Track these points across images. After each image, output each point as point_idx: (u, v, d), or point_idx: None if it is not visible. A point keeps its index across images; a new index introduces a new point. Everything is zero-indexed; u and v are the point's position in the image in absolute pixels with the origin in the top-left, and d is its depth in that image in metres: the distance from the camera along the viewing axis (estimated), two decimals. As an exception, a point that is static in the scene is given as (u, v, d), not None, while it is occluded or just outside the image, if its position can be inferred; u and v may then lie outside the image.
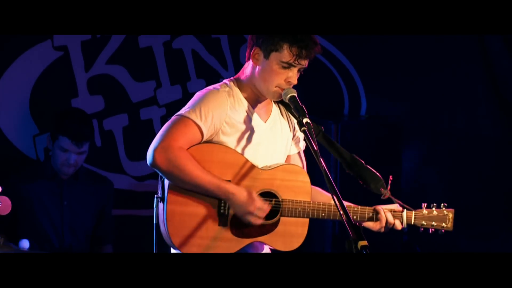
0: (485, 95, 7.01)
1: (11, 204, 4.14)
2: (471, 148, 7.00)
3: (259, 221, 3.92)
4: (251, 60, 4.00)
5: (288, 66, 3.92)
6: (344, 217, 3.38)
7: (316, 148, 3.63)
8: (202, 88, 4.08)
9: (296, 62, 3.92)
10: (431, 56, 6.98)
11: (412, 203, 4.23)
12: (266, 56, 3.94)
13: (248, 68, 4.03)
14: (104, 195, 5.90)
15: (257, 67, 3.98)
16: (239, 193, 3.88)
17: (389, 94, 7.04)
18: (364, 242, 3.27)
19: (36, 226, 5.68)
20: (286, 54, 3.91)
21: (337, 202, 3.44)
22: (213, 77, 6.47)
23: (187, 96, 6.52)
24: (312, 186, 4.13)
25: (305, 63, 3.95)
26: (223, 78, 4.13)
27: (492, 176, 6.98)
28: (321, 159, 3.58)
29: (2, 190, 5.88)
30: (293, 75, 3.94)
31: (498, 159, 7.01)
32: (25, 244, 5.03)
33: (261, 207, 3.91)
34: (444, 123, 7.04)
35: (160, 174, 3.92)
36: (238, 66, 6.49)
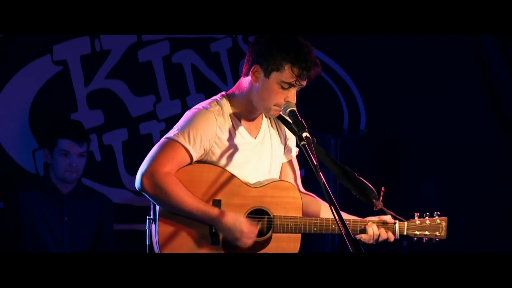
0: (484, 109, 7.01)
1: None
2: (471, 162, 6.99)
3: (248, 245, 3.92)
4: (249, 77, 3.96)
5: (288, 86, 3.90)
6: (343, 232, 3.39)
7: (315, 163, 3.62)
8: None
9: (297, 82, 3.90)
10: (430, 70, 6.99)
11: (411, 217, 4.23)
12: (267, 75, 3.91)
13: (244, 83, 4.00)
14: (103, 212, 5.89)
15: (256, 85, 3.95)
16: (225, 220, 3.87)
17: (389, 108, 7.05)
18: None
19: (37, 240, 5.68)
20: (287, 74, 3.89)
21: (336, 216, 3.45)
22: (212, 92, 6.45)
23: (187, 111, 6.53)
24: (307, 193, 4.13)
25: (305, 83, 3.94)
26: (223, 93, 4.12)
27: (492, 190, 6.97)
28: (320, 173, 3.58)
29: (4, 205, 5.90)
30: (292, 95, 3.93)
31: (497, 173, 7.00)
32: None
33: (249, 231, 3.90)
34: (443, 137, 7.04)
35: (147, 197, 3.91)
36: (238, 80, 6.50)
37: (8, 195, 5.85)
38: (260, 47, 3.93)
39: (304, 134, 3.76)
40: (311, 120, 4.58)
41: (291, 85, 3.90)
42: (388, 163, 6.65)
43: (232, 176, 3.95)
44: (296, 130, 3.82)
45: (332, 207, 3.46)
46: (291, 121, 3.95)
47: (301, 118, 3.85)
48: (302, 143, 3.75)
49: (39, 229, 5.69)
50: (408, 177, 6.82)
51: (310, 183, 4.26)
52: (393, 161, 6.70)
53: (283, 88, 3.90)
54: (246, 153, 4.01)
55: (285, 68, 3.88)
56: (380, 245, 4.18)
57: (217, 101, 4.01)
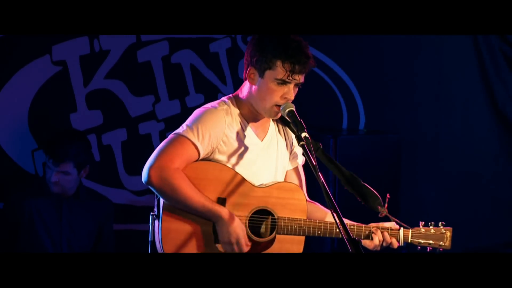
0: (484, 109, 7.02)
1: None
2: (471, 163, 6.99)
3: (235, 251, 3.91)
4: (247, 80, 4.00)
5: (283, 82, 3.92)
6: (343, 232, 3.39)
7: (314, 163, 3.63)
8: (200, 103, 4.08)
9: (290, 78, 3.91)
10: (430, 71, 6.99)
11: (411, 218, 4.23)
12: (261, 75, 3.94)
13: (245, 87, 4.03)
14: (103, 215, 5.88)
15: (254, 87, 3.98)
16: (228, 220, 3.88)
17: (388, 108, 7.05)
18: None
19: (35, 242, 5.68)
20: (279, 71, 3.91)
21: (336, 217, 3.45)
22: (211, 92, 6.48)
23: (186, 111, 6.53)
24: (311, 202, 4.13)
25: (300, 78, 3.94)
26: (222, 93, 4.14)
27: (491, 190, 6.97)
28: (319, 173, 3.58)
29: (4, 206, 5.90)
30: (289, 91, 3.94)
31: (497, 173, 7.00)
32: None
33: (244, 244, 3.90)
34: (443, 139, 7.04)
35: (153, 191, 3.92)
36: (237, 80, 6.50)
37: (8, 195, 5.85)
38: (252, 48, 3.97)
39: (303, 135, 3.78)
40: (310, 120, 4.57)
41: (285, 81, 3.92)
42: (388, 163, 6.64)
43: (237, 175, 3.96)
44: (295, 130, 3.83)
45: (331, 209, 3.47)
46: (290, 121, 3.95)
47: (300, 119, 3.86)
48: (301, 143, 3.76)
49: (37, 230, 5.69)
50: (407, 178, 6.81)
51: (309, 184, 4.24)
52: (393, 161, 6.68)
53: (279, 84, 3.92)
54: (252, 154, 4.02)
55: (277, 65, 3.91)
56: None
57: (224, 101, 4.04)
